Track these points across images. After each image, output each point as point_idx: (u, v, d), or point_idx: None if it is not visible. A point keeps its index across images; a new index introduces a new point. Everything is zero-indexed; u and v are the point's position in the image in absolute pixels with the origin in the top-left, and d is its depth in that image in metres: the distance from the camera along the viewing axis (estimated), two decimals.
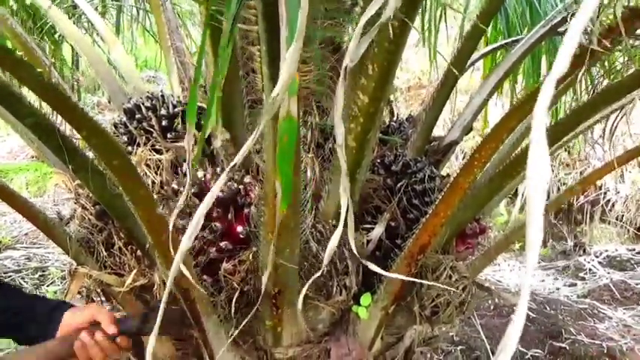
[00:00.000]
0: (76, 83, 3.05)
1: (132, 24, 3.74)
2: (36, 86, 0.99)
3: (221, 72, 0.91)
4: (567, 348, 3.43)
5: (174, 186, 1.54)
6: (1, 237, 4.78)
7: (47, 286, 4.07)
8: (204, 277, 1.47)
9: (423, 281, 1.57)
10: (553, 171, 6.50)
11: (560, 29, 1.97)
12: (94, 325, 1.44)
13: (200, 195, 1.47)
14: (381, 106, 1.33)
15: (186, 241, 0.80)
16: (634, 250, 5.49)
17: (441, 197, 1.41)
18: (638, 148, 1.67)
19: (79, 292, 1.81)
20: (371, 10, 0.79)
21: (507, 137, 1.33)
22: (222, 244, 1.43)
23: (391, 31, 1.12)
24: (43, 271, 4.26)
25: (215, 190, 0.77)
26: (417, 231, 1.48)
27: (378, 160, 1.69)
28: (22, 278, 4.14)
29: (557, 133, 1.42)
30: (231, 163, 0.76)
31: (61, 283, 3.95)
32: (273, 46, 0.90)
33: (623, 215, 6.16)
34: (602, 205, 6.29)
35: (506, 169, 1.51)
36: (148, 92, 1.79)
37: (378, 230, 1.58)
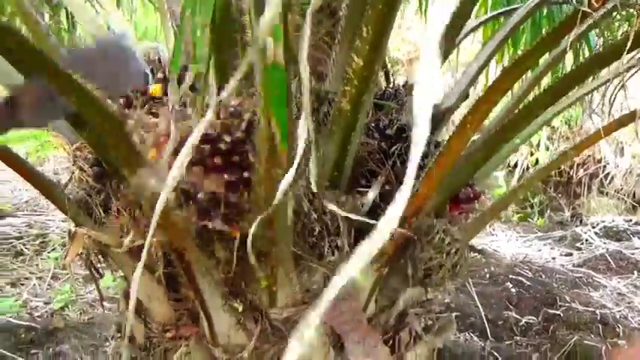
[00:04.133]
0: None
1: None
2: (18, 49, 0.99)
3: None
4: (561, 315, 3.47)
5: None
6: (1, 205, 4.81)
7: (48, 252, 4.12)
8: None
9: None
10: (553, 143, 6.52)
11: None
12: None
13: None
14: (375, 69, 1.34)
15: (177, 169, 0.82)
16: (630, 220, 5.53)
17: (433, 160, 1.43)
18: (628, 115, 1.68)
19: (78, 255, 1.84)
20: None
21: (500, 99, 1.35)
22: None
23: None
24: (44, 238, 4.30)
25: (196, 136, 0.79)
26: (410, 195, 1.50)
27: (373, 124, 1.70)
28: (24, 245, 4.19)
29: (547, 99, 1.43)
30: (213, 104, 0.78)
31: (62, 249, 3.99)
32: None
33: (622, 188, 6.19)
34: (601, 178, 6.32)
35: (499, 133, 1.53)
36: (145, 57, 1.79)
37: (372, 193, 1.60)
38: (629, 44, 1.11)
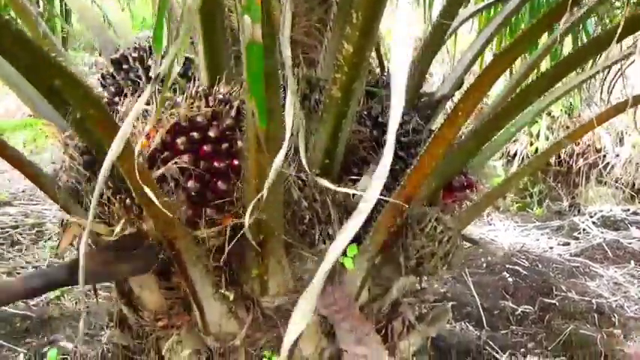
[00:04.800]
0: (65, 35, 3.02)
1: None
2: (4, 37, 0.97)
3: None
4: (557, 304, 3.47)
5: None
6: None
7: (44, 241, 4.11)
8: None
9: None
10: (553, 133, 6.51)
11: None
12: None
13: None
14: (366, 55, 1.33)
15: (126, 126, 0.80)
16: (628, 210, 5.52)
17: (425, 148, 1.42)
18: (624, 102, 1.67)
19: (70, 244, 1.83)
20: None
21: (491, 87, 1.33)
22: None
23: None
24: (40, 227, 4.30)
25: (140, 103, 0.77)
26: (402, 182, 1.49)
27: (365, 112, 1.69)
28: (20, 234, 4.18)
29: (542, 85, 1.42)
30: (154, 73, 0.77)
31: (58, 238, 3.97)
32: None
33: (621, 178, 6.18)
34: (600, 168, 6.31)
35: (492, 121, 1.51)
36: (135, 43, 1.78)
37: (364, 182, 1.58)
38: (619, 30, 1.09)
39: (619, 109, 1.69)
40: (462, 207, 1.90)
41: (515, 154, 6.59)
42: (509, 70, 1.93)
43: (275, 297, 1.61)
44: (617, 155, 6.33)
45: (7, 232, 4.18)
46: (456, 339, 3.05)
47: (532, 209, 6.32)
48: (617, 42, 1.22)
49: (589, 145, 6.44)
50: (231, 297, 1.61)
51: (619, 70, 2.33)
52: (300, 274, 1.62)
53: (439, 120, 2.16)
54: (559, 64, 1.41)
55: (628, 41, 1.55)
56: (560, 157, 6.47)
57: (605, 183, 6.30)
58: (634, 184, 6.21)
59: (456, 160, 1.64)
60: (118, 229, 1.59)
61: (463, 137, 1.62)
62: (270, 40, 0.95)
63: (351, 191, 1.38)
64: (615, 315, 3.38)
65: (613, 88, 2.58)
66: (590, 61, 2.45)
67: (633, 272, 4.15)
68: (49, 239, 4.13)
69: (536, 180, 6.54)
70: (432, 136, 1.40)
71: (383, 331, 1.79)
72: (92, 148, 1.55)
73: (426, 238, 1.61)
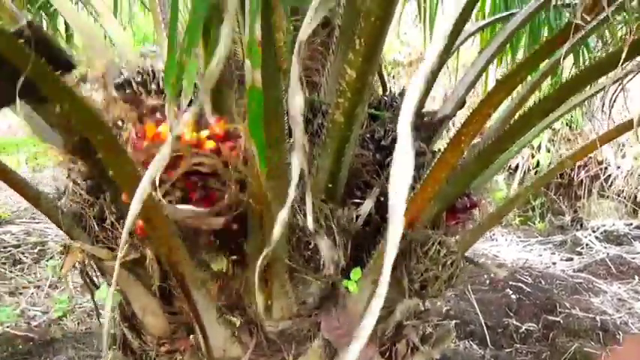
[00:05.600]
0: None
1: None
2: (11, 55, 0.97)
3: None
4: (561, 322, 3.46)
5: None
6: (0, 212, 4.81)
7: (47, 260, 4.11)
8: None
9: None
10: (554, 145, 6.51)
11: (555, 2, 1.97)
12: None
13: None
14: (369, 80, 1.33)
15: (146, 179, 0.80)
16: (631, 224, 5.50)
17: (428, 172, 1.42)
18: (626, 123, 1.67)
19: (74, 267, 1.83)
20: None
21: (494, 112, 1.34)
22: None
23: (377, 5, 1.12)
24: (43, 246, 4.29)
25: (168, 146, 0.78)
26: (405, 206, 1.48)
27: (368, 135, 1.69)
28: (22, 253, 4.18)
29: (545, 108, 1.42)
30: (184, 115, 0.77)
31: (60, 257, 3.97)
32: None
33: (623, 190, 6.18)
34: (601, 181, 6.30)
35: (495, 144, 1.51)
36: (138, 67, 1.78)
37: (368, 205, 1.58)
38: (624, 54, 1.10)
39: (620, 130, 1.69)
40: (465, 227, 1.90)
41: (516, 167, 6.60)
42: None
43: (279, 321, 1.61)
44: (619, 167, 6.33)
45: (10, 250, 4.18)
46: (459, 358, 3.03)
47: (534, 222, 6.31)
48: (621, 65, 1.22)
49: (590, 157, 6.43)
50: (238, 323, 1.60)
51: (619, 85, 2.34)
52: (304, 299, 1.61)
53: (442, 141, 2.16)
54: (562, 87, 1.41)
55: None
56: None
57: (608, 197, 6.29)
58: (636, 197, 6.20)
59: (459, 183, 1.63)
60: (120, 254, 1.59)
61: (466, 159, 1.62)
62: (275, 71, 0.95)
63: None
64: (620, 332, 3.37)
65: (614, 102, 2.59)
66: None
67: (637, 288, 4.13)
68: (51, 258, 4.13)
69: (538, 193, 6.54)
70: (435, 160, 1.40)
71: (387, 354, 1.78)
72: (96, 172, 1.56)
73: (429, 261, 1.60)
